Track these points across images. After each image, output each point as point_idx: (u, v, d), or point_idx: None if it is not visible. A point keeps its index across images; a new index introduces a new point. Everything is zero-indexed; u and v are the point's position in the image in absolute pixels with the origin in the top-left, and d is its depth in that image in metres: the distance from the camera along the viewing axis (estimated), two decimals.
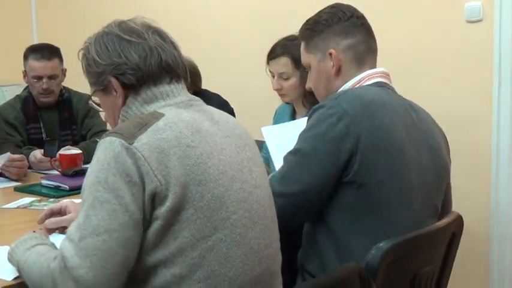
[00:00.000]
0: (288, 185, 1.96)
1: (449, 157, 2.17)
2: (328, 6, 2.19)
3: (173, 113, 1.64)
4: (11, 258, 1.76)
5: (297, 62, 2.88)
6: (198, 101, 1.76)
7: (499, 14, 3.11)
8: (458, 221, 2.07)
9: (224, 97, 3.57)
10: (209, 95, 3.46)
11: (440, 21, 3.33)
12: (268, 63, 3.01)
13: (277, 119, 3.16)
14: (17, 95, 3.75)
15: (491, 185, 3.18)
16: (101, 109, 1.83)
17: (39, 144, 3.53)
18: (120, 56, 1.69)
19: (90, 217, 1.52)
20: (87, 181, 1.56)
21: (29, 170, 3.28)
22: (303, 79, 2.86)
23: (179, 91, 1.73)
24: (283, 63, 2.94)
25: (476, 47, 3.20)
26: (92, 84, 1.78)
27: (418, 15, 3.43)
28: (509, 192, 3.14)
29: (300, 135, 2.01)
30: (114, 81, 1.70)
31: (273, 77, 3.00)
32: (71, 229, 1.57)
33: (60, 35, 5.16)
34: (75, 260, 1.51)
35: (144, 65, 1.69)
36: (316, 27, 2.15)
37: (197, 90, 3.39)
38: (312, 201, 1.96)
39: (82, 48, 1.78)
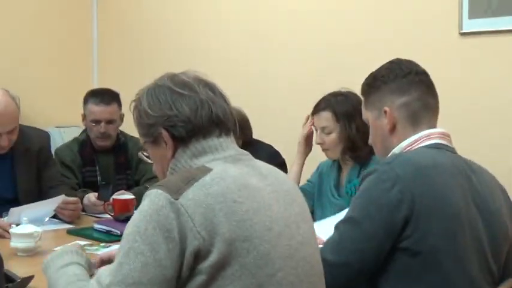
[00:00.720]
0: (338, 255, 1.89)
1: None
2: (388, 62, 2.15)
3: (221, 167, 1.63)
4: (45, 270, 1.80)
5: (337, 116, 2.94)
6: (246, 155, 1.75)
7: None
8: None
9: (278, 148, 3.56)
10: (259, 145, 3.45)
11: None
12: (312, 117, 3.07)
13: (322, 175, 3.17)
14: (75, 138, 3.82)
15: None
16: (150, 161, 1.84)
17: (94, 187, 3.57)
18: (171, 108, 1.70)
19: (123, 265, 1.52)
20: (127, 230, 1.57)
21: (83, 213, 3.32)
22: (343, 134, 2.93)
23: (228, 145, 1.72)
24: (325, 117, 2.98)
25: None
26: (142, 135, 1.79)
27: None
28: None
29: (352, 202, 1.95)
30: (164, 133, 1.71)
31: (317, 131, 3.05)
32: (103, 272, 1.56)
33: (120, 78, 5.25)
34: None
35: (194, 117, 1.69)
36: (374, 84, 2.12)
37: (246, 140, 3.35)
38: (362, 272, 1.90)
39: (134, 100, 1.80)
